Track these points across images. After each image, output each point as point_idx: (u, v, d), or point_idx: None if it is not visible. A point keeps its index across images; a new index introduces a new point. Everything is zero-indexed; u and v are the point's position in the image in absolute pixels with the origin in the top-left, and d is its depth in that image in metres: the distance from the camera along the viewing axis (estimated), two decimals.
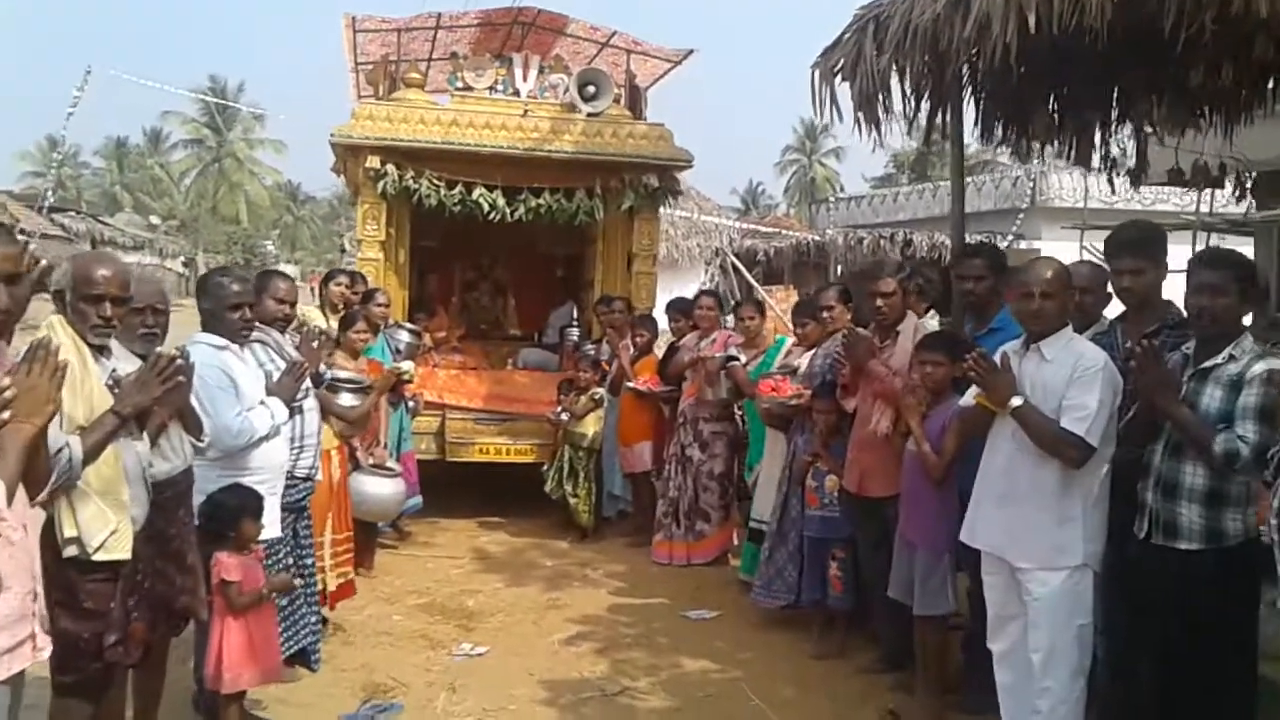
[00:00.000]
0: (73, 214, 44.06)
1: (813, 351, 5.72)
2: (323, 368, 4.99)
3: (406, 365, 7.03)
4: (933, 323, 5.22)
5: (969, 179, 32.34)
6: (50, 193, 29.94)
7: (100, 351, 3.35)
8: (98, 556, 3.12)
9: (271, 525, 4.29)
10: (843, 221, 33.58)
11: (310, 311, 7.37)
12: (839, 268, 30.27)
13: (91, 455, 3.06)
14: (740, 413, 7.04)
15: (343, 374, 5.79)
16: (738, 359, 6.50)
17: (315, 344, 4.87)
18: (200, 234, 56.39)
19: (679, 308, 7.59)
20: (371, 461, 6.35)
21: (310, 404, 4.76)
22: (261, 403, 4.25)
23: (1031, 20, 4.92)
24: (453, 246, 10.23)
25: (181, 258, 52.29)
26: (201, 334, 4.25)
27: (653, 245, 8.75)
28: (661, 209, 8.97)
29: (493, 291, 10.73)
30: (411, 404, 7.67)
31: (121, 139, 64.02)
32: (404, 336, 7.82)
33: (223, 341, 4.23)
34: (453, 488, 8.51)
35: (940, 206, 31.32)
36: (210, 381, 4.09)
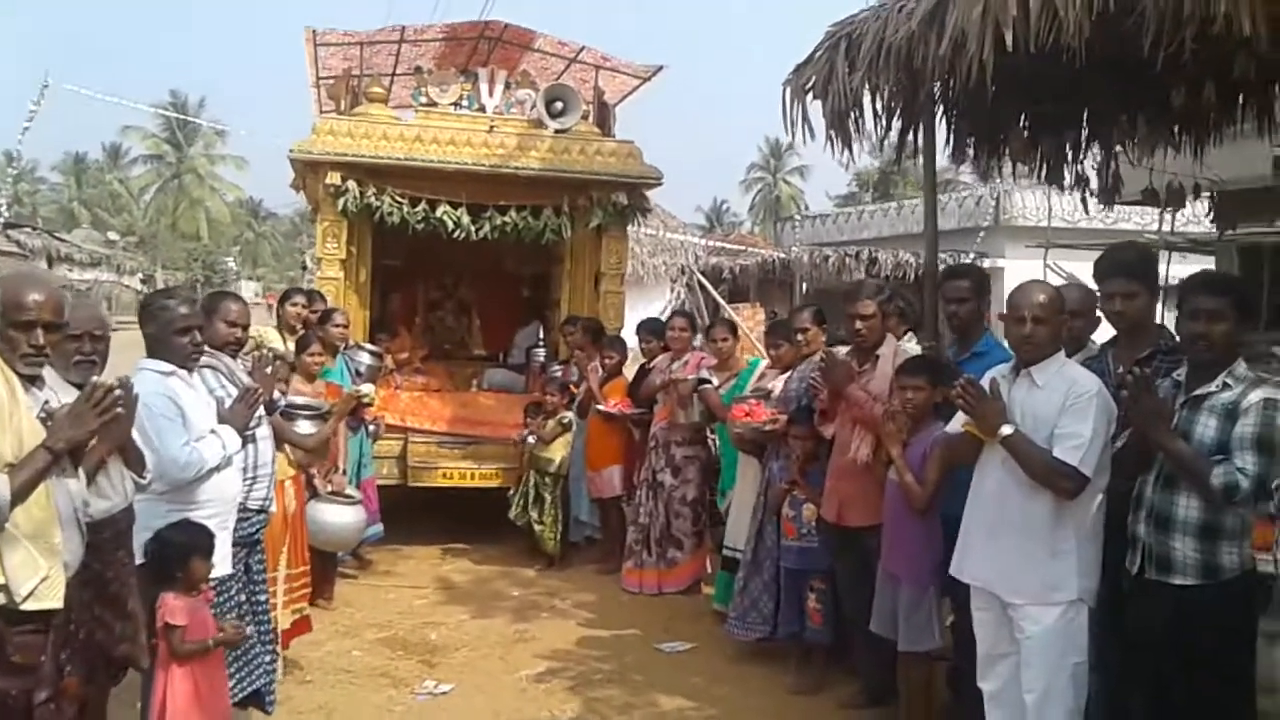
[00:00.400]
0: (28, 230, 43.17)
1: (787, 375, 5.56)
2: (277, 393, 4.75)
3: (366, 388, 6.80)
4: (913, 346, 5.07)
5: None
6: (4, 208, 29.23)
7: (32, 381, 3.10)
8: (26, 606, 2.87)
9: (222, 562, 4.05)
10: (808, 239, 33.62)
11: (267, 332, 7.14)
12: (805, 286, 30.36)
13: (20, 495, 2.82)
14: (713, 436, 6.86)
15: (299, 399, 5.56)
16: (710, 382, 6.33)
17: (270, 369, 4.63)
18: (159, 250, 55.67)
19: (650, 329, 7.41)
20: (330, 489, 6.10)
21: (264, 432, 4.52)
22: (212, 431, 4.02)
23: (1009, 38, 4.81)
24: (416, 265, 10.00)
25: (140, 274, 51.53)
26: (147, 360, 4.01)
27: (621, 264, 8.58)
28: (630, 227, 8.80)
29: (457, 311, 10.50)
30: (372, 428, 7.43)
31: (80, 154, 63.32)
32: (365, 358, 7.58)
33: (169, 367, 3.99)
34: (415, 513, 8.26)
35: (905, 224, 31.41)
36: (156, 410, 3.85)
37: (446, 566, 7.53)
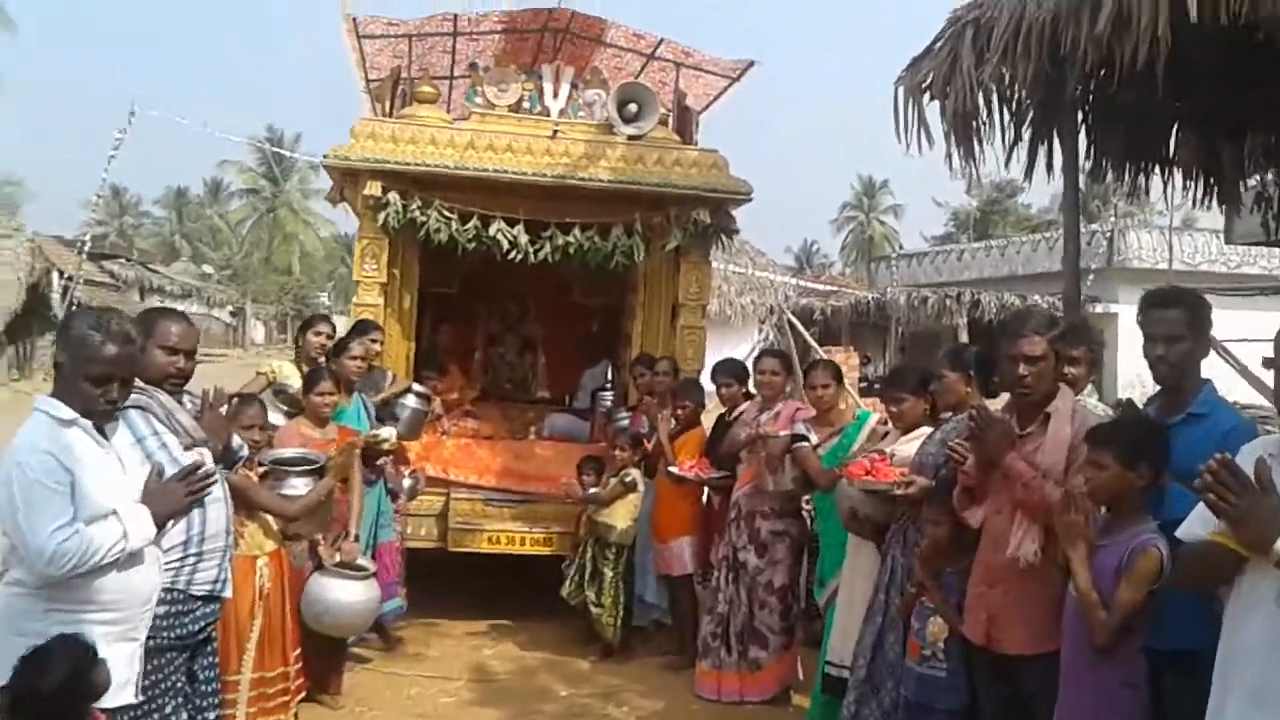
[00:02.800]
0: (122, 261, 44.00)
1: (919, 436, 4.27)
2: (237, 441, 3.64)
3: (386, 432, 5.67)
4: (1096, 402, 3.74)
5: (1032, 238, 30.78)
6: (88, 240, 29.28)
7: None
8: None
9: (121, 690, 2.90)
10: (904, 280, 32.12)
11: (282, 366, 6.08)
12: (900, 329, 28.83)
13: None
14: (809, 508, 5.57)
15: (287, 451, 4.45)
16: (807, 439, 5.03)
17: (226, 407, 3.49)
18: (251, 283, 56.21)
19: (729, 371, 6.11)
20: (338, 558, 4.97)
21: (215, 493, 3.40)
22: (114, 513, 2.88)
23: (1193, 8, 3.77)
24: (474, 293, 8.92)
25: (230, 306, 52.03)
26: (46, 399, 2.91)
27: (702, 294, 7.35)
28: (714, 254, 7.57)
29: (520, 347, 9.36)
30: (408, 483, 6.31)
31: (182, 189, 64.65)
32: (410, 401, 6.48)
33: (70, 414, 2.88)
34: (458, 577, 7.12)
35: (1009, 265, 29.77)
36: (32, 473, 2.75)
37: (487, 650, 6.32)
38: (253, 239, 60.78)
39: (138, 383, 3.22)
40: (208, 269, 56.43)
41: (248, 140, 48.66)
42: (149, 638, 3.17)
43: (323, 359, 5.82)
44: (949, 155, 7.59)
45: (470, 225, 6.84)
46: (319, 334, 6.06)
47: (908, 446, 4.33)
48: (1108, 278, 25.41)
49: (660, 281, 7.53)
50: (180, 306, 43.91)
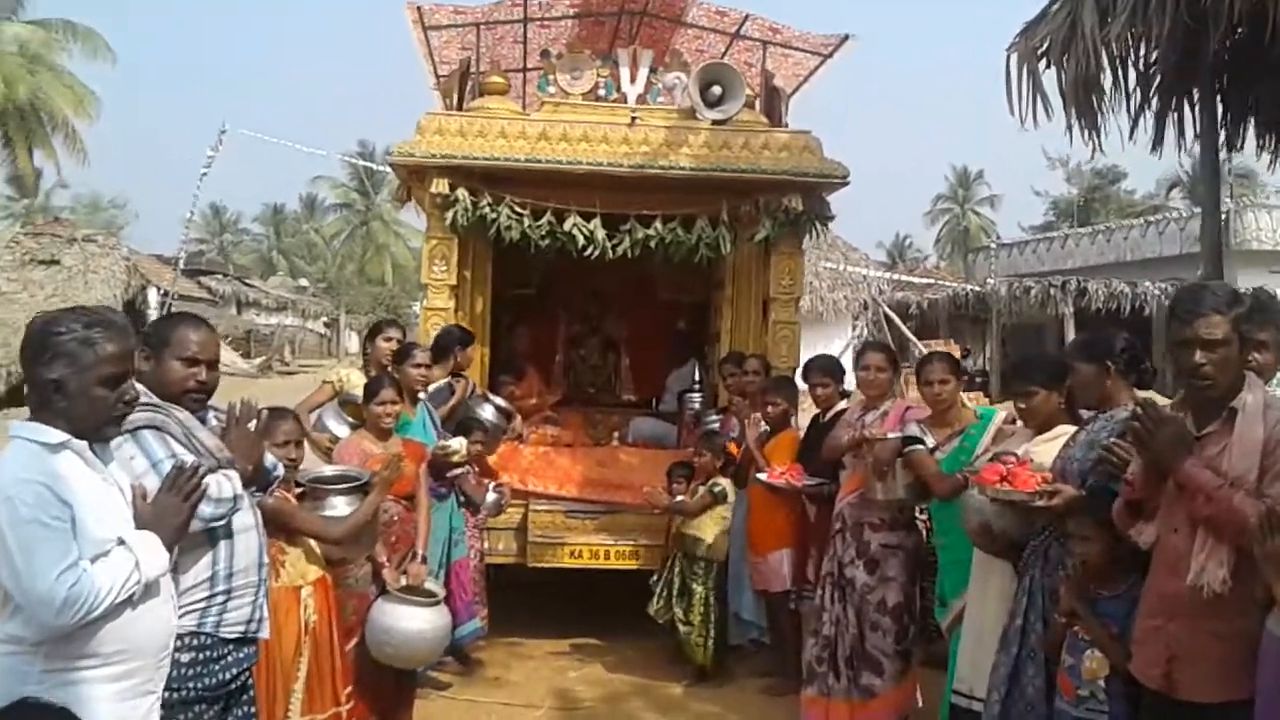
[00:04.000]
0: (219, 276, 45.00)
1: (1058, 436, 3.68)
2: (270, 461, 3.23)
3: (456, 443, 5.26)
4: None
5: (1139, 222, 29.35)
6: (183, 256, 29.84)
7: None
8: None
9: None
10: (1003, 270, 30.97)
11: (351, 375, 5.72)
12: (1001, 320, 27.73)
13: None
14: (924, 519, 4.98)
15: (329, 470, 4.04)
16: (922, 442, 4.46)
17: (254, 422, 3.08)
18: (344, 295, 57.08)
19: (824, 368, 5.48)
20: (403, 581, 4.56)
21: (245, 520, 2.99)
22: (121, 542, 2.48)
23: None
24: (553, 294, 8.51)
25: (324, 318, 52.81)
26: (24, 424, 2.51)
27: (795, 287, 6.80)
28: (805, 246, 7.02)
29: (602, 348, 8.92)
30: (492, 496, 5.89)
31: (278, 206, 66.15)
32: (488, 414, 6.09)
33: (60, 437, 2.47)
34: (541, 593, 6.73)
35: (1115, 251, 28.45)
36: (23, 510, 2.35)
37: (571, 674, 5.86)
38: (346, 252, 61.75)
39: (153, 399, 2.84)
40: (303, 282, 57.53)
41: (339, 155, 49.55)
42: (171, 690, 2.77)
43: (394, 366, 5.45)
44: (1068, 126, 6.97)
45: (544, 221, 6.43)
46: (389, 340, 5.69)
47: (1045, 449, 3.74)
48: (1225, 261, 23.99)
49: (750, 275, 7.03)
50: (276, 319, 44.83)
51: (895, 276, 31.88)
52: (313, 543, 3.75)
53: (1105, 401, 3.47)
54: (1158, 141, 7.16)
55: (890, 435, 4.64)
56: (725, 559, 5.72)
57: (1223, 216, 24.61)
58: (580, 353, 8.87)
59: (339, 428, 5.32)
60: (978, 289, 27.99)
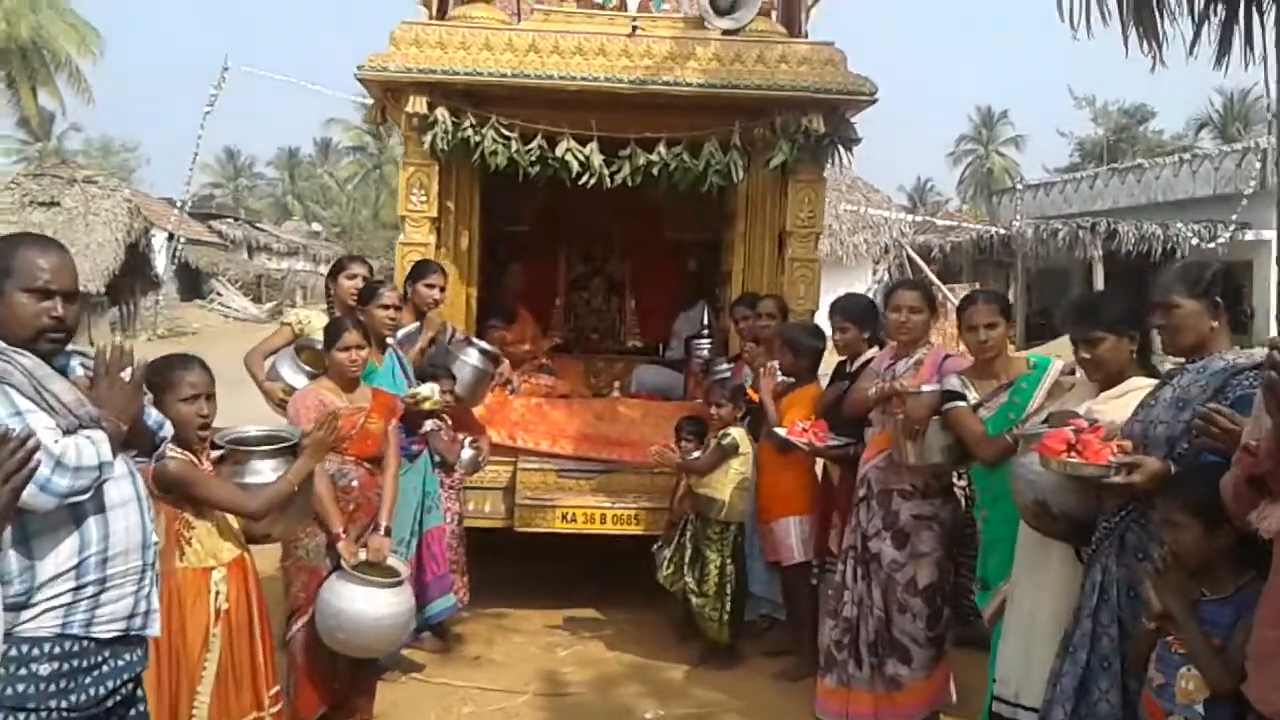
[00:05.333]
0: (230, 220, 44.44)
1: (1130, 391, 3.01)
2: (154, 418, 2.58)
3: (426, 389, 4.62)
4: None
5: (1173, 160, 28.21)
6: (188, 199, 29.20)
7: None
8: None
9: None
10: (1030, 213, 29.99)
11: (313, 317, 5.06)
12: (1026, 265, 26.85)
13: None
14: (963, 485, 4.33)
15: (253, 429, 3.40)
16: (964, 397, 3.78)
17: (129, 371, 2.43)
18: (358, 240, 56.43)
19: (848, 310, 4.78)
20: (362, 556, 3.95)
21: (123, 492, 2.38)
22: None
23: None
24: (551, 230, 7.82)
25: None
26: None
27: (815, 220, 6.08)
28: (829, 169, 6.30)
29: (606, 290, 8.24)
30: (468, 453, 5.28)
31: (293, 149, 65.31)
32: (471, 359, 5.42)
33: None
34: (531, 558, 6.15)
35: (1146, 192, 27.38)
36: None
37: (561, 652, 5.27)
38: (360, 195, 61.04)
39: None
40: (316, 227, 56.97)
41: (347, 96, 48.59)
42: (27, 711, 2.21)
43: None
44: (1125, 37, 6.19)
45: (534, 145, 5.70)
46: (353, 277, 5.02)
47: (1114, 407, 3.07)
48: (1261, 201, 23.03)
49: (764, 206, 6.31)
50: (287, 264, 44.28)
51: (919, 219, 30.99)
52: (229, 517, 3.13)
53: (1201, 348, 2.78)
54: (1221, 55, 6.34)
55: (925, 388, 3.97)
56: (743, 521, 5.07)
57: (1259, 158, 23.66)
58: (582, 295, 8.20)
59: (295, 377, 4.68)
60: (1003, 232, 27.13)
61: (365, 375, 4.38)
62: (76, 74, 38.61)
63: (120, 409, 2.37)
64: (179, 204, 29.31)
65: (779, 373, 4.96)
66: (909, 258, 24.17)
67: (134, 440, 2.47)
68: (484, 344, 5.62)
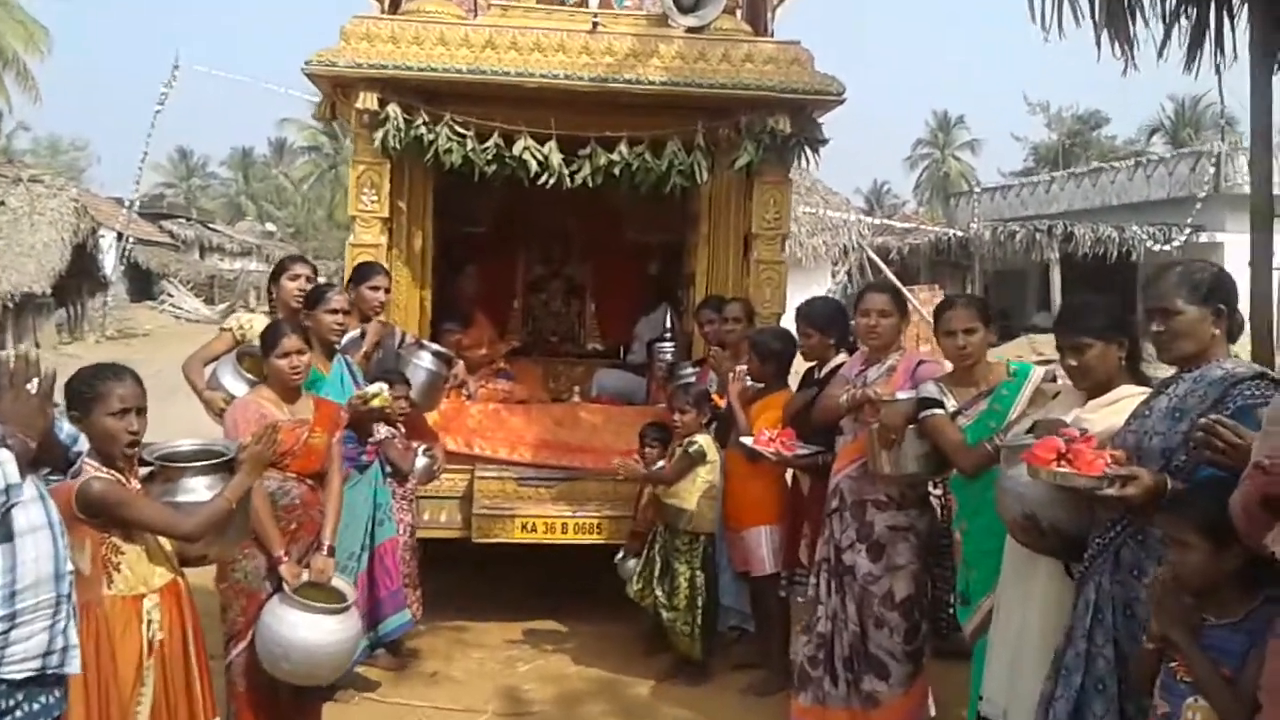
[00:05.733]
0: (181, 220, 43.66)
1: (1120, 399, 2.88)
2: (67, 431, 2.37)
3: (374, 389, 4.40)
4: None
5: (1127, 164, 28.50)
6: (136, 199, 28.60)
7: None
8: None
9: None
10: (986, 216, 30.16)
11: (255, 321, 4.83)
12: (984, 267, 26.99)
13: None
14: (939, 494, 4.19)
15: (185, 444, 3.18)
16: (941, 404, 3.64)
17: (35, 384, 2.21)
18: (313, 240, 55.71)
19: (811, 316, 4.59)
20: (306, 578, 3.73)
21: (30, 518, 2.16)
22: None
23: None
24: (509, 232, 7.61)
25: None
26: None
27: (781, 221, 5.94)
28: (796, 169, 6.16)
29: (565, 293, 8.04)
30: (422, 461, 5.08)
31: (247, 149, 64.45)
32: (424, 362, 5.20)
33: None
34: (491, 568, 5.95)
35: (1101, 195, 27.62)
36: None
37: (522, 667, 5.08)
38: (315, 196, 60.29)
39: None
40: (270, 227, 56.26)
41: (300, 94, 47.93)
42: None
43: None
44: (1097, 40, 6.10)
45: (490, 144, 5.51)
46: (295, 278, 4.79)
47: (1101, 416, 2.94)
48: (1215, 205, 23.32)
49: (729, 208, 6.14)
50: (240, 264, 43.59)
51: (877, 221, 31.07)
52: (161, 540, 2.91)
53: (1200, 357, 2.65)
54: (1192, 57, 6.27)
55: (900, 395, 3.83)
56: (713, 531, 4.90)
57: (1213, 161, 23.94)
58: (541, 298, 8.00)
59: (236, 385, 4.44)
60: (960, 234, 27.26)
61: (311, 384, 4.16)
62: (24, 72, 37.73)
63: (26, 423, 2.16)
64: (127, 204, 28.67)
65: (747, 378, 4.80)
66: (869, 259, 24.15)
67: (44, 458, 2.26)
68: (436, 346, 5.42)
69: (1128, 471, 2.58)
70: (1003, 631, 3.21)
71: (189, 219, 45.38)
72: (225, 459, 3.11)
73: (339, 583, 3.81)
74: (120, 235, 29.20)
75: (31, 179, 25.14)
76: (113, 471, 2.82)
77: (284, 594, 3.60)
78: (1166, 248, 23.13)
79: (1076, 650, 2.72)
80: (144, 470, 3.07)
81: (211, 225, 46.97)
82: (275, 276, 4.88)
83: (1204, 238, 23.37)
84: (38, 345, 23.61)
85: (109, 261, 28.84)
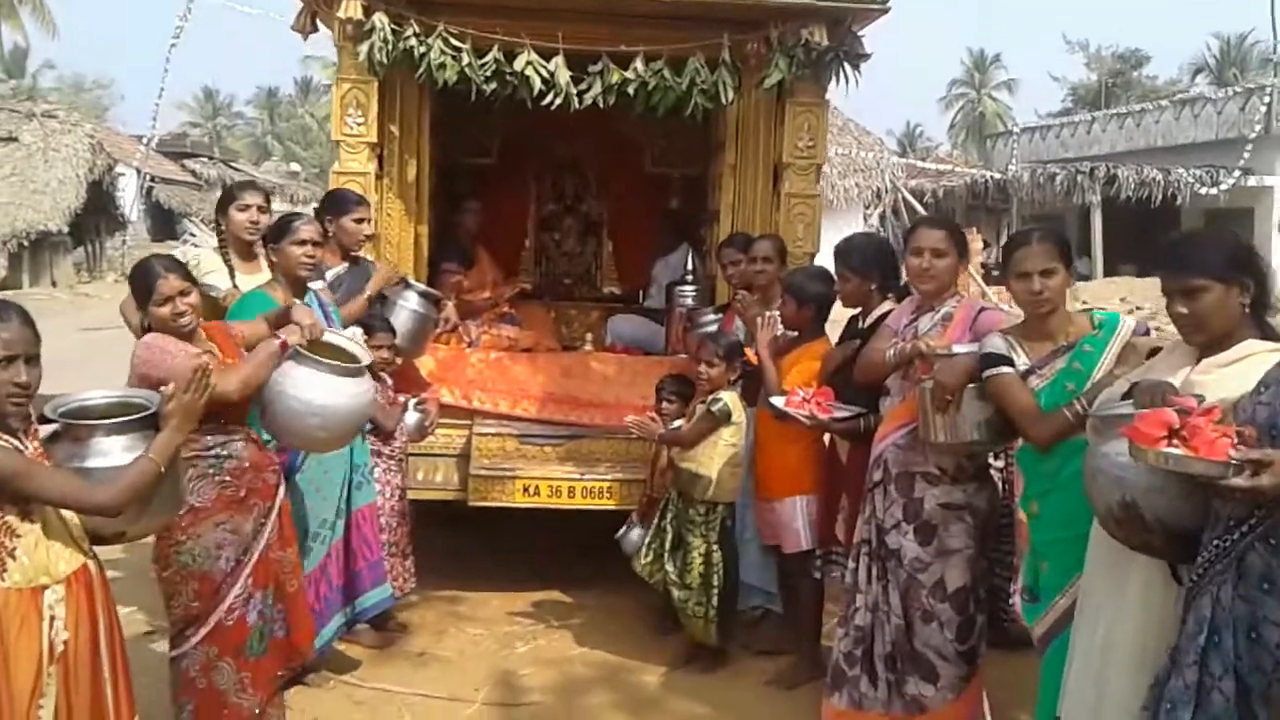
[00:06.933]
0: (204, 159, 43.16)
1: (1245, 358, 2.28)
2: None
3: (348, 335, 3.80)
4: None
5: (1173, 104, 27.32)
6: (155, 136, 28.05)
7: None
8: None
9: None
10: (1024, 158, 29.13)
11: (203, 256, 4.26)
12: (1021, 211, 26.07)
13: None
14: (1001, 465, 3.60)
15: (96, 395, 2.63)
16: (1009, 361, 3.03)
17: None
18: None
19: (850, 256, 3.98)
20: (309, 335, 3.39)
21: None
22: None
23: None
24: (518, 164, 7.01)
25: (314, 204, 51.07)
26: None
27: (816, 149, 5.30)
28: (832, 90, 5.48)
29: (580, 231, 7.43)
30: (413, 417, 4.55)
31: (273, 89, 64.03)
32: (409, 303, 4.64)
33: None
34: (491, 532, 5.44)
35: (1145, 137, 26.54)
36: None
37: (520, 648, 4.55)
38: None
39: None
40: (295, 167, 55.91)
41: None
42: None
43: (258, 241, 4.03)
44: None
45: (489, 58, 4.88)
46: (245, 208, 4.21)
47: (1220, 379, 2.34)
48: (1265, 147, 22.26)
49: (757, 134, 5.49)
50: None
51: (911, 162, 30.15)
52: (67, 514, 2.38)
53: None
54: None
55: (957, 349, 3.23)
56: (734, 502, 4.33)
57: (1264, 101, 22.79)
58: (553, 236, 7.40)
59: None
60: (997, 176, 26.32)
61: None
62: (40, 6, 37.17)
63: None
64: (145, 141, 28.14)
65: (779, 325, 4.19)
66: (905, 202, 23.33)
67: None
68: (422, 286, 4.84)
69: (1260, 455, 1.98)
70: (1086, 642, 2.62)
71: (211, 158, 44.90)
72: (147, 412, 2.56)
73: (344, 338, 3.54)
74: (141, 173, 28.75)
75: (46, 114, 24.63)
76: (3, 435, 2.29)
77: (296, 351, 3.27)
78: (1214, 191, 22.20)
79: (1185, 680, 2.15)
80: (46, 430, 2.54)
81: (235, 164, 46.49)
82: (223, 206, 4.29)
83: (1252, 181, 22.37)
84: (54, 284, 23.31)
85: (128, 200, 28.42)
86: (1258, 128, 22.62)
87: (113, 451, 2.49)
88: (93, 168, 24.06)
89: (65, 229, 23.16)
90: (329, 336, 3.46)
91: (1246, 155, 22.28)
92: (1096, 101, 45.94)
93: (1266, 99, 22.87)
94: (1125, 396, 2.48)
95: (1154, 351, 2.76)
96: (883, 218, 24.81)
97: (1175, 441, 2.12)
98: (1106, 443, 2.38)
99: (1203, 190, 22.49)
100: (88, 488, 2.40)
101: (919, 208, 22.70)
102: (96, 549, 2.54)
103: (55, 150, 23.71)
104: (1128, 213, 22.62)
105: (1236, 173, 22.52)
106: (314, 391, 3.27)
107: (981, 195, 27.22)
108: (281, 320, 3.43)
